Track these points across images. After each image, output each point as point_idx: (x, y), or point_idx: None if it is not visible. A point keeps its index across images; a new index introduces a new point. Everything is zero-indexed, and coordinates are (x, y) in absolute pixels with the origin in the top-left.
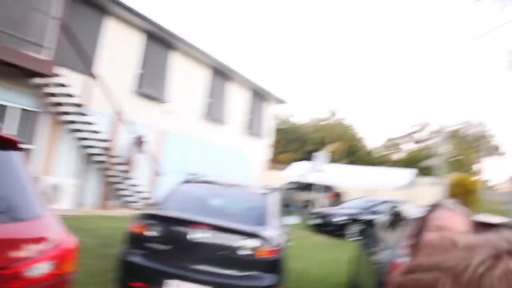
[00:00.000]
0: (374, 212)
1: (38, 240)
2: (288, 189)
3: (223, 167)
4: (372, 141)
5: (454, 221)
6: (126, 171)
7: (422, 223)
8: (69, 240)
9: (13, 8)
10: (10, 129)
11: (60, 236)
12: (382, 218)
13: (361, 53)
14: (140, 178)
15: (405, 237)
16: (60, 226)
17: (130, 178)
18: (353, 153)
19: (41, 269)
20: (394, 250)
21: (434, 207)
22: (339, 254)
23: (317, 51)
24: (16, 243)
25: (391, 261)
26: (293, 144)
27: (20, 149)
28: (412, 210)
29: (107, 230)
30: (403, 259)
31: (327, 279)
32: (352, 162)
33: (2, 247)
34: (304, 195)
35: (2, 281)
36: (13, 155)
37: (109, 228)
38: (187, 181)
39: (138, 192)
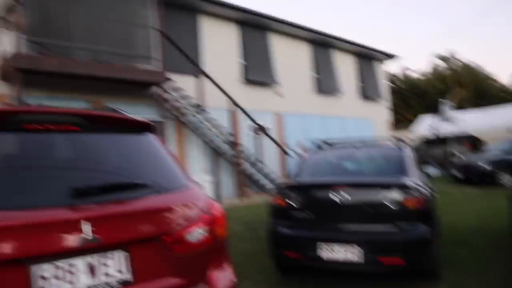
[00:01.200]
0: None
1: (190, 206)
2: (419, 146)
3: (345, 136)
4: (503, 74)
5: None
6: (255, 159)
7: None
8: (217, 207)
9: (117, 28)
10: None
11: (208, 203)
12: None
13: None
14: (269, 162)
15: None
16: (206, 195)
17: (260, 164)
18: (482, 95)
19: (197, 233)
20: None
21: None
22: (491, 203)
23: None
24: (170, 211)
25: None
26: (413, 100)
27: (155, 132)
28: None
29: (250, 216)
30: None
31: (485, 227)
32: (483, 105)
33: (159, 215)
34: (438, 150)
35: (164, 247)
36: (150, 136)
37: (251, 214)
38: (317, 149)
39: (270, 175)
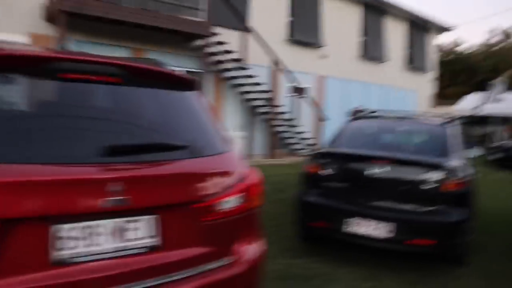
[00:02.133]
0: None
1: (225, 174)
2: (461, 123)
3: (387, 106)
4: None
5: None
6: (290, 120)
7: None
8: (254, 174)
9: None
10: None
11: (244, 170)
12: None
13: None
14: (304, 125)
15: None
16: (244, 161)
17: (295, 126)
18: None
19: (231, 202)
20: None
21: None
22: None
23: None
24: (205, 177)
25: None
26: (461, 76)
27: (198, 89)
28: None
29: (278, 177)
30: None
31: None
32: None
33: (193, 181)
34: (479, 130)
35: (195, 215)
36: (194, 94)
37: (279, 175)
38: (356, 117)
39: (304, 138)
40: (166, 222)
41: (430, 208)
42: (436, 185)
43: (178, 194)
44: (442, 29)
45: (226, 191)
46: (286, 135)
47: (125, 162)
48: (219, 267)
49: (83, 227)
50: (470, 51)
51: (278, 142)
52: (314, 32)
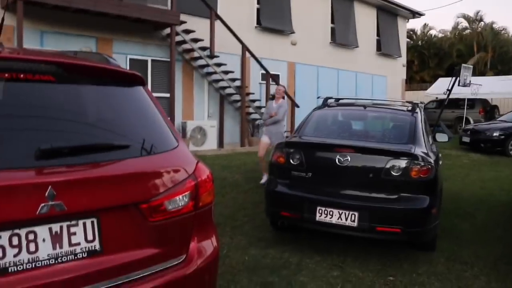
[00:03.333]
0: None
1: (173, 171)
2: (432, 108)
3: (358, 92)
4: None
5: None
6: (262, 107)
7: None
8: (205, 170)
9: None
10: (148, 81)
11: (194, 166)
12: None
13: None
14: None
15: None
16: (193, 156)
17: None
18: (506, 61)
19: (180, 200)
20: None
21: None
22: (500, 172)
23: None
24: (151, 176)
25: None
26: (432, 60)
27: (143, 84)
28: None
29: (251, 165)
30: None
31: (489, 198)
32: (505, 72)
33: (140, 181)
34: (451, 113)
35: (141, 215)
36: (138, 90)
37: (253, 163)
38: (324, 106)
39: None
40: (107, 225)
41: (396, 196)
42: (402, 172)
43: (120, 195)
44: (412, 14)
45: (174, 190)
46: (258, 122)
47: (61, 165)
48: (170, 267)
49: (15, 235)
50: (440, 36)
51: (250, 129)
52: (283, 19)
